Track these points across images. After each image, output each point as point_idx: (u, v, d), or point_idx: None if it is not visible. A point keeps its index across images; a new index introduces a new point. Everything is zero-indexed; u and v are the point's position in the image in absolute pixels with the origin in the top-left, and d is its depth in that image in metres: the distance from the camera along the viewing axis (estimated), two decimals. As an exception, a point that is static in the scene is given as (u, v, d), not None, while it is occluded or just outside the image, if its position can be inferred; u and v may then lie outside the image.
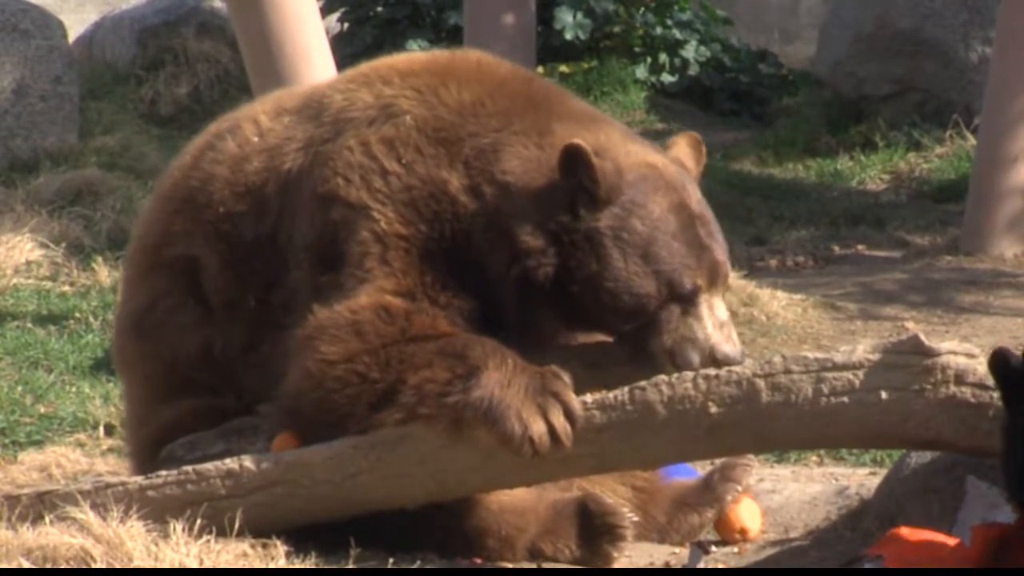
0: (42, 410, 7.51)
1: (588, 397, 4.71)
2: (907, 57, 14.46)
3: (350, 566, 4.82)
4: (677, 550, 5.27)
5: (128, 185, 11.50)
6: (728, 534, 5.37)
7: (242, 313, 5.15)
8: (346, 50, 14.00)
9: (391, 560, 4.88)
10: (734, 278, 9.55)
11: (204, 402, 5.20)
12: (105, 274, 9.87)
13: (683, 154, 5.12)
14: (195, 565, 4.62)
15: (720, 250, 4.92)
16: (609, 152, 4.88)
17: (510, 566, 4.99)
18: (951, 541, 4.51)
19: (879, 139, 14.31)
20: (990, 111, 11.71)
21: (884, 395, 4.58)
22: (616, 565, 5.04)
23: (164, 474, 4.91)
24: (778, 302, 9.62)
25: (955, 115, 13.99)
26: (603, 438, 4.70)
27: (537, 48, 13.47)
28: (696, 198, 4.96)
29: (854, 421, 4.61)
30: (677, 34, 16.29)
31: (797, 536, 5.42)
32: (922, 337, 4.62)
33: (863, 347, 4.65)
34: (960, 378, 4.56)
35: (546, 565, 5.01)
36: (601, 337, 5.07)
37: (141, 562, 4.62)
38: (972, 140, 13.44)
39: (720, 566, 5.12)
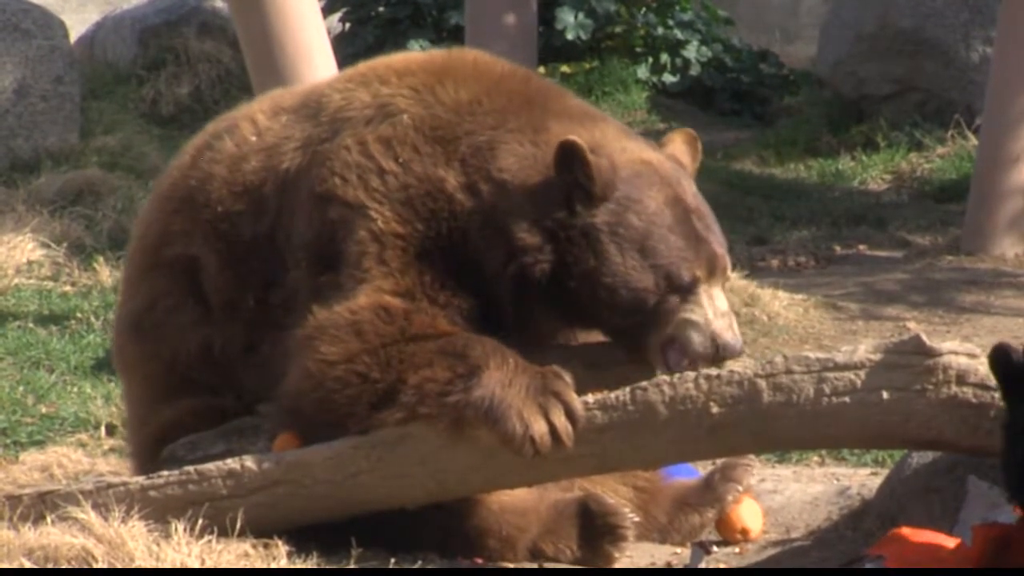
0: (44, 410, 7.52)
1: (589, 397, 4.71)
2: (908, 57, 14.46)
3: (351, 566, 4.82)
4: (679, 550, 5.27)
5: (129, 185, 11.50)
6: (729, 534, 5.37)
7: (241, 313, 5.15)
8: (347, 50, 13.99)
9: (392, 560, 4.88)
10: (735, 278, 9.56)
11: (204, 402, 5.20)
12: (106, 274, 9.87)
13: (679, 150, 5.13)
14: (196, 565, 4.63)
15: (717, 242, 4.92)
16: (604, 149, 4.89)
17: (511, 566, 4.99)
18: (952, 541, 4.51)
19: (880, 139, 14.31)
20: (991, 111, 11.71)
21: (886, 395, 4.58)
22: (617, 565, 5.04)
23: (165, 474, 4.92)
24: (779, 302, 9.62)
25: (956, 115, 13.99)
26: (604, 438, 4.70)
27: (538, 48, 13.47)
28: (692, 192, 4.96)
29: (855, 421, 4.61)
30: (678, 34, 16.29)
31: (798, 536, 5.42)
32: (923, 337, 4.62)
33: (864, 347, 4.65)
34: (962, 378, 4.56)
35: (547, 565, 5.01)
36: (601, 336, 5.07)
37: (143, 562, 4.62)
38: (973, 140, 13.45)
39: (721, 566, 5.12)
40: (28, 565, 4.62)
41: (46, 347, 8.51)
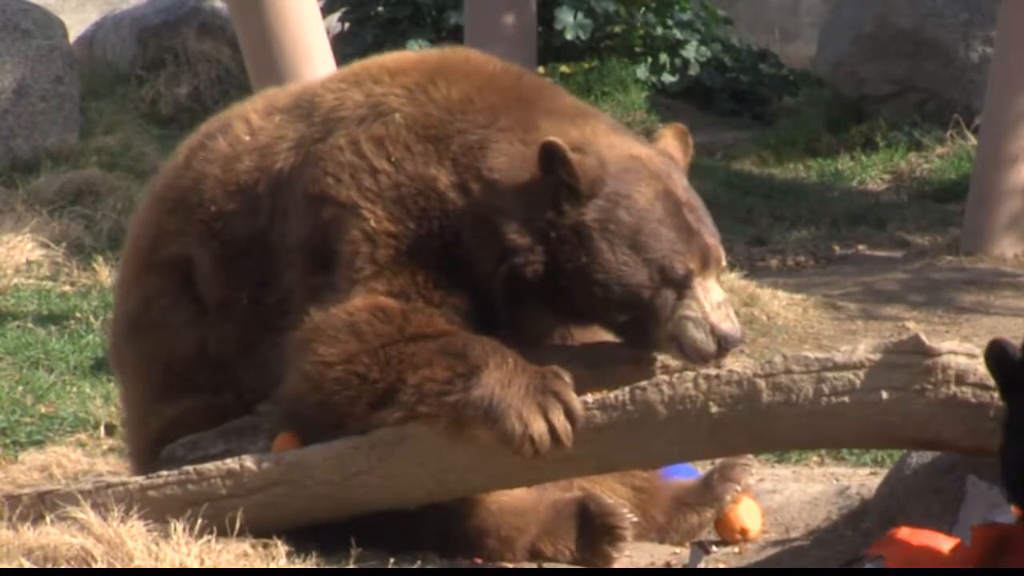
0: (43, 410, 7.51)
1: (589, 397, 4.71)
2: (907, 57, 14.46)
3: (351, 566, 4.82)
4: (678, 550, 5.27)
5: (129, 185, 11.50)
6: (729, 534, 5.37)
7: (236, 312, 5.15)
8: (347, 50, 13.97)
9: (392, 560, 4.88)
10: (735, 278, 9.58)
11: (204, 401, 5.20)
12: (106, 274, 9.87)
13: (670, 145, 5.13)
14: (196, 565, 4.62)
15: (710, 233, 4.91)
16: (592, 146, 4.88)
17: (510, 566, 4.99)
18: (951, 541, 4.51)
19: (880, 139, 14.31)
20: (991, 111, 11.71)
21: (885, 395, 4.58)
22: (617, 565, 5.04)
23: (165, 474, 4.92)
24: (779, 302, 9.63)
25: (956, 115, 13.99)
26: (604, 438, 4.70)
27: (538, 48, 13.47)
28: (682, 185, 4.96)
29: (855, 421, 4.61)
30: (678, 34, 16.28)
31: (798, 536, 5.42)
32: (923, 337, 4.62)
33: (864, 347, 4.65)
34: (961, 378, 4.56)
35: (546, 565, 5.01)
36: (600, 335, 5.07)
37: (142, 562, 4.62)
38: (973, 140, 13.45)
39: (721, 566, 5.12)
40: (27, 565, 4.62)
41: (45, 347, 8.51)
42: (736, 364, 4.76)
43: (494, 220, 4.86)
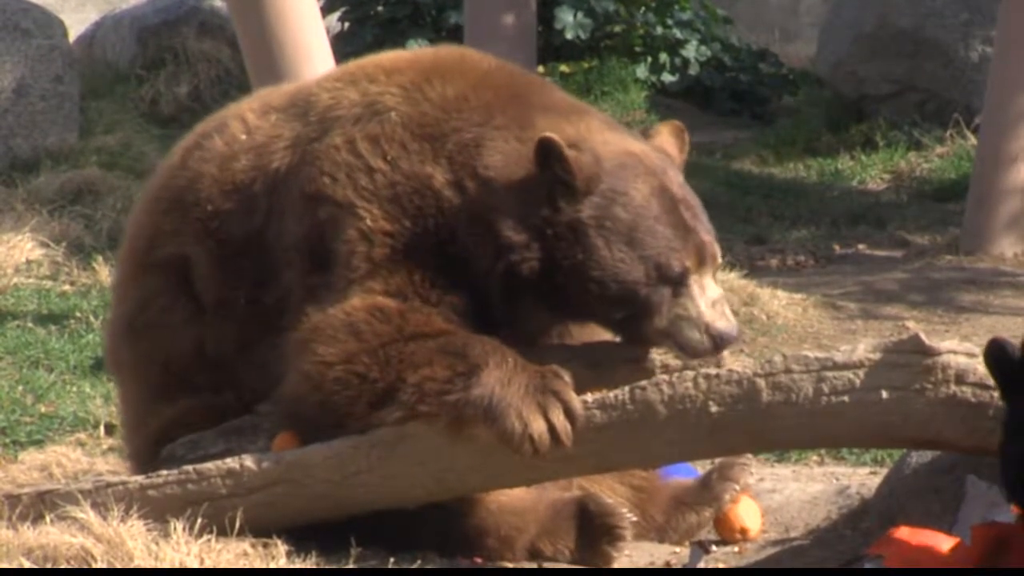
0: (43, 409, 7.51)
1: (589, 396, 4.71)
2: (907, 57, 14.47)
3: (350, 566, 4.82)
4: (678, 549, 5.27)
5: (128, 184, 11.49)
6: (728, 534, 5.37)
7: (233, 311, 5.15)
8: (347, 49, 13.96)
9: (391, 560, 4.88)
10: (735, 278, 9.58)
11: (203, 401, 5.20)
12: (106, 273, 9.86)
13: (666, 142, 5.13)
14: (196, 564, 4.62)
15: (705, 230, 4.91)
16: (588, 142, 4.88)
17: (510, 566, 4.99)
18: (951, 541, 4.51)
19: (880, 138, 14.31)
20: (990, 110, 11.71)
21: (885, 394, 4.58)
22: (617, 564, 5.04)
23: (165, 473, 4.91)
24: (779, 301, 9.63)
25: (955, 114, 14.00)
26: (603, 437, 4.70)
27: (538, 48, 13.47)
28: (678, 182, 4.95)
29: (855, 420, 4.61)
30: (678, 33, 16.28)
31: (798, 536, 5.42)
32: (923, 336, 4.62)
33: (864, 346, 4.65)
34: (961, 377, 4.56)
35: (546, 565, 5.01)
36: (598, 333, 5.07)
37: (142, 561, 4.62)
38: (972, 140, 13.45)
39: (721, 566, 5.11)
40: (27, 564, 4.62)
41: (45, 346, 8.51)
42: (736, 363, 4.76)
43: (490, 217, 4.86)
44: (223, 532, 4.74)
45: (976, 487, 4.84)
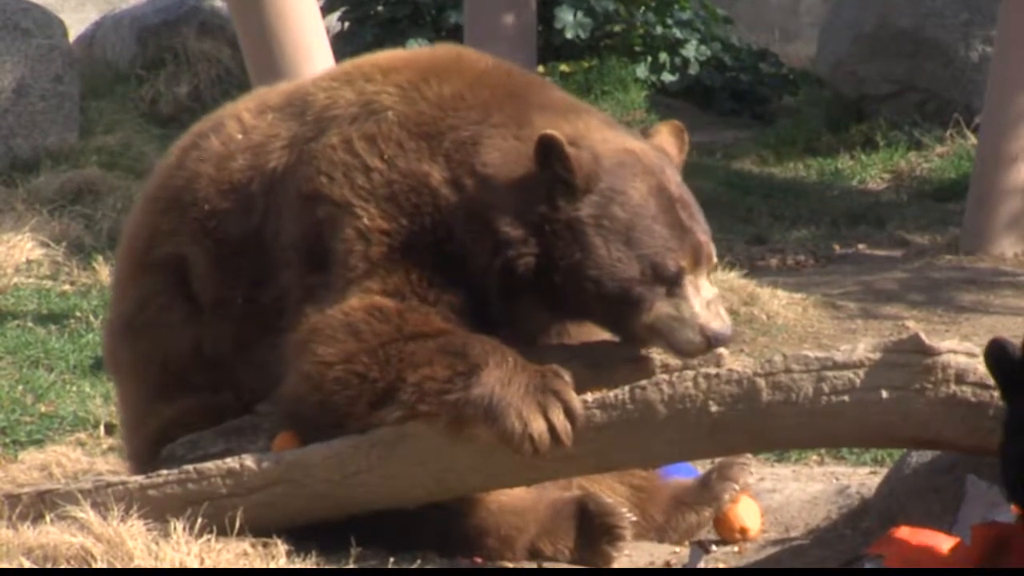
0: (43, 409, 7.51)
1: (589, 396, 4.71)
2: (907, 57, 14.47)
3: (350, 565, 4.82)
4: (678, 549, 5.27)
5: (128, 184, 11.49)
6: (728, 533, 5.36)
7: (231, 311, 5.15)
8: (347, 49, 13.96)
9: (391, 559, 4.88)
10: (735, 278, 9.57)
11: (202, 401, 5.20)
12: (106, 273, 9.86)
13: (665, 141, 5.13)
14: (196, 564, 4.62)
15: (702, 231, 4.92)
16: (586, 140, 4.88)
17: (510, 566, 4.99)
18: (951, 540, 4.51)
19: (880, 138, 14.31)
20: (991, 110, 11.71)
21: (885, 394, 4.58)
22: (617, 564, 5.04)
23: (165, 473, 4.91)
24: (779, 301, 9.63)
25: (956, 114, 14.00)
26: (603, 437, 4.70)
27: (538, 47, 13.46)
28: (676, 181, 4.96)
29: (854, 420, 4.61)
30: (678, 33, 16.28)
31: (798, 535, 5.42)
32: (923, 336, 4.62)
33: (864, 346, 4.65)
34: (961, 377, 4.56)
35: (546, 565, 5.01)
36: (596, 332, 5.07)
37: (142, 561, 4.62)
38: (973, 139, 13.45)
39: (721, 565, 5.11)
40: (27, 564, 4.62)
41: (45, 346, 8.51)
42: (736, 363, 4.76)
43: (487, 214, 4.86)
44: (223, 532, 4.74)
45: (976, 487, 4.84)
